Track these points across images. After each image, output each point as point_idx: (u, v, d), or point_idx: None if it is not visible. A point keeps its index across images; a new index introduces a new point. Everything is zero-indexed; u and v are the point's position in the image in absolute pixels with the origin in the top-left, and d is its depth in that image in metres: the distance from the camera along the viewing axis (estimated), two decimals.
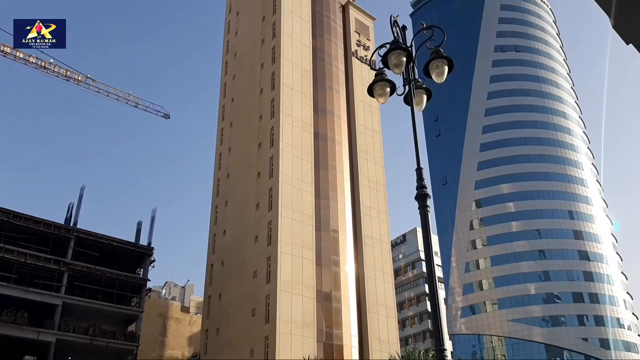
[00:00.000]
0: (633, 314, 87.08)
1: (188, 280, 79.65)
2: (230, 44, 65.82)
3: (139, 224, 48.71)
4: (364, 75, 60.98)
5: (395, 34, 9.39)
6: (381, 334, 48.02)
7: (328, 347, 44.83)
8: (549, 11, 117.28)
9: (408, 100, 9.04)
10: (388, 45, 9.24)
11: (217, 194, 57.97)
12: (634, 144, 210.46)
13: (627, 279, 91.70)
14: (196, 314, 63.54)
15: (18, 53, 58.85)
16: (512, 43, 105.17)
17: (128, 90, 73.12)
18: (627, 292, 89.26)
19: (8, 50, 57.59)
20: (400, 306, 78.74)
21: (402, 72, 9.12)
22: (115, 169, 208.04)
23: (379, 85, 9.19)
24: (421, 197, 8.15)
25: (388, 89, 9.17)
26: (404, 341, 75.02)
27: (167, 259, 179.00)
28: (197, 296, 68.70)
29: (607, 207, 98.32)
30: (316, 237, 48.62)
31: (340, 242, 50.45)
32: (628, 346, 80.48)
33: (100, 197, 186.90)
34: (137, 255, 46.70)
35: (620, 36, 4.73)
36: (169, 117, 71.76)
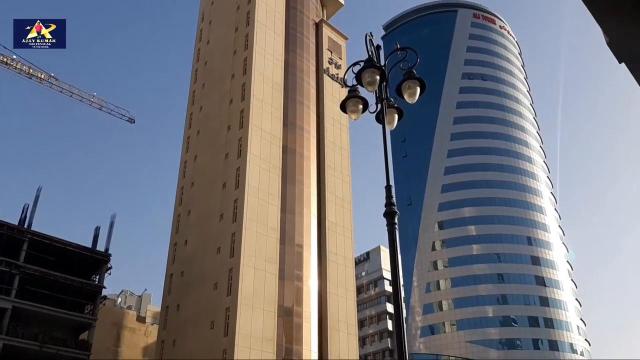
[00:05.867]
0: (586, 340, 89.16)
1: (145, 290, 77.55)
2: (201, 52, 65.40)
3: (97, 229, 47.20)
4: (334, 93, 61.42)
5: (370, 52, 9.44)
6: (341, 351, 47.59)
7: None
8: (515, 43, 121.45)
9: (379, 118, 9.11)
10: (362, 63, 9.30)
11: (180, 202, 56.94)
12: (589, 177, 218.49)
13: (581, 306, 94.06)
14: (152, 324, 61.68)
15: None
16: (479, 71, 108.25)
17: (93, 92, 71.08)
18: (581, 319, 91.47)
19: None
20: (361, 324, 78.48)
21: (375, 91, 9.17)
22: (76, 171, 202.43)
23: (352, 101, 9.23)
24: (389, 215, 8.06)
25: (361, 106, 9.21)
26: (363, 359, 74.71)
27: (125, 268, 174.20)
28: (154, 306, 66.73)
29: (564, 235, 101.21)
30: (280, 251, 48.15)
31: (304, 257, 50.05)
32: None
33: (58, 200, 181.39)
34: (93, 262, 45.14)
35: (614, 54, 4.79)
36: (134, 122, 70.18)
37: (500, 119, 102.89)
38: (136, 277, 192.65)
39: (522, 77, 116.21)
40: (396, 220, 8.07)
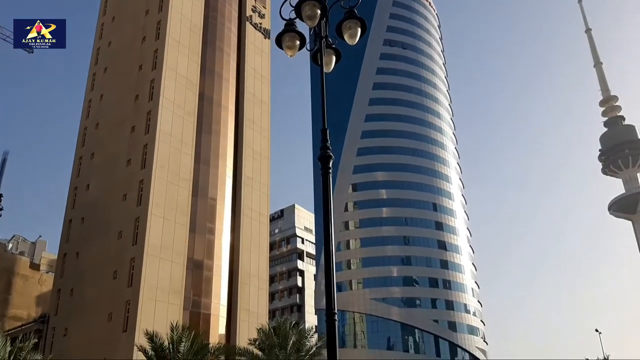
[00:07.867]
0: (478, 301, 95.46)
1: (40, 236, 71.87)
2: None
3: None
4: (257, 43, 59.10)
5: None
6: (251, 305, 47.11)
7: (195, 316, 42.98)
8: (435, 16, 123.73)
9: (316, 58, 8.51)
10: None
11: (82, 144, 52.80)
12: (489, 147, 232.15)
13: (476, 270, 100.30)
14: (48, 272, 57.62)
15: None
16: (399, 39, 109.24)
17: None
18: (475, 282, 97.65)
19: None
20: (271, 279, 78.54)
21: (314, 27, 8.52)
22: None
23: (288, 36, 8.48)
24: (324, 159, 7.70)
25: (298, 42, 8.53)
26: (272, 313, 75.04)
27: (17, 211, 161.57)
28: (49, 253, 62.18)
29: (466, 203, 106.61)
30: (192, 202, 46.42)
31: (217, 210, 48.64)
32: (472, 330, 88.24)
33: None
34: None
35: None
36: (32, 52, 62.85)
37: (417, 88, 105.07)
38: (30, 223, 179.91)
39: (439, 49, 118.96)
40: (330, 165, 7.68)
